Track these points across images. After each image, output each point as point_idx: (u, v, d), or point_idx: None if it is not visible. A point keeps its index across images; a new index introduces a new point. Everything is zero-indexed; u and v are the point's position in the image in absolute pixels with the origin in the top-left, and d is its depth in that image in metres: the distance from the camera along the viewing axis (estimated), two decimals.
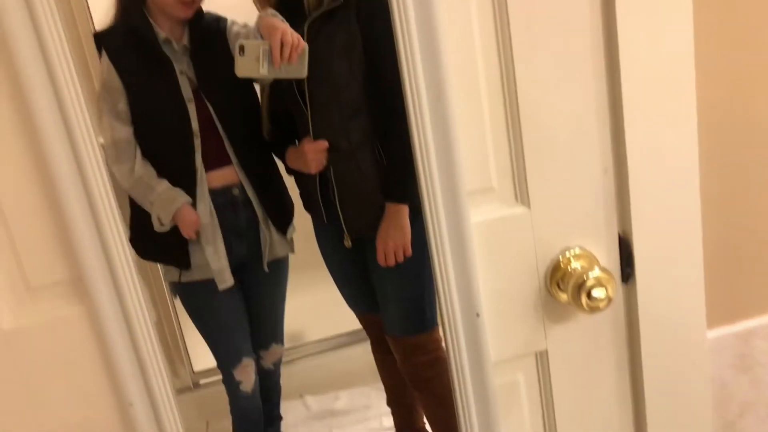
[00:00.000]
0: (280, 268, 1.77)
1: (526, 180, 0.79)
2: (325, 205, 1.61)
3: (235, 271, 1.65)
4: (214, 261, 1.59)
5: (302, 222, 1.78)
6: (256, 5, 1.54)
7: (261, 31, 1.39)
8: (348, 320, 2.04)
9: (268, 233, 1.68)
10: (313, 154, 1.52)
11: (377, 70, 1.43)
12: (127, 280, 0.73)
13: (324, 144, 1.51)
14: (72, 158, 0.70)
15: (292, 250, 1.79)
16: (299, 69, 1.37)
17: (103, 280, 0.73)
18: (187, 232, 1.55)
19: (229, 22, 1.60)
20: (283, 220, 1.73)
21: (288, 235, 1.76)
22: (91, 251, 0.72)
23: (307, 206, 1.68)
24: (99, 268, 0.72)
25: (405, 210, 1.52)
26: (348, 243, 1.62)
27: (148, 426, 0.76)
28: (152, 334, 0.74)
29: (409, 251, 1.54)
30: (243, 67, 1.37)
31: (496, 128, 0.79)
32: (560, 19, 0.77)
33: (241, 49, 1.35)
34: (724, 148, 0.85)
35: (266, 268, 1.70)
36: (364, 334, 2.06)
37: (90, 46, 1.68)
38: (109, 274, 0.73)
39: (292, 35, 1.35)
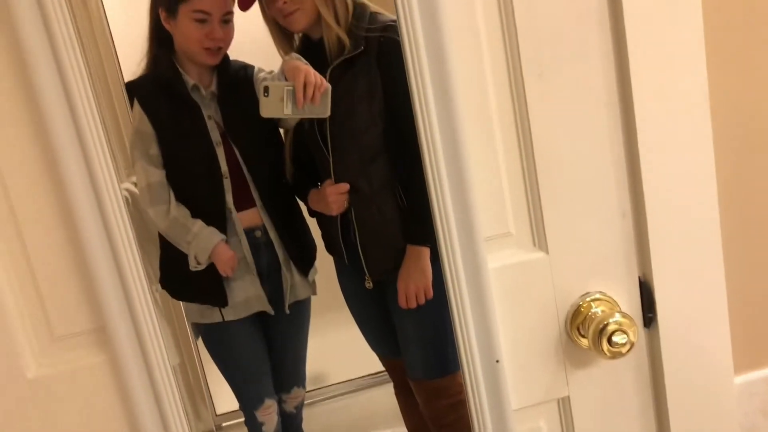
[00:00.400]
0: (301, 310, 1.78)
1: (543, 225, 0.79)
2: (346, 247, 1.62)
3: (256, 314, 1.66)
4: (259, 291, 1.62)
5: (325, 264, 1.79)
6: (279, 52, 1.58)
7: (285, 73, 1.43)
8: (371, 362, 2.02)
9: (289, 275, 1.69)
10: (335, 196, 1.54)
11: (397, 116, 1.45)
12: (149, 330, 0.74)
13: (345, 187, 1.53)
14: (97, 212, 0.72)
15: (314, 293, 1.80)
16: (323, 109, 1.40)
17: (125, 331, 0.74)
18: (223, 269, 1.58)
19: (255, 70, 1.65)
20: (305, 262, 1.74)
21: (310, 278, 1.76)
22: (114, 302, 0.73)
23: (329, 248, 1.69)
24: (122, 318, 0.73)
25: (426, 252, 1.53)
26: (369, 284, 1.63)
27: None
28: (173, 383, 0.74)
29: (431, 293, 1.54)
30: (267, 108, 1.40)
31: (511, 174, 0.80)
32: (573, 64, 0.78)
33: (266, 90, 1.39)
34: (743, 188, 0.85)
35: (287, 310, 1.70)
36: (387, 376, 2.04)
37: (118, 96, 1.74)
38: (131, 325, 0.74)
39: (315, 76, 1.38)
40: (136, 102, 1.58)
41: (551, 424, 0.86)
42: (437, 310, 1.56)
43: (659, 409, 0.86)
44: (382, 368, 1.95)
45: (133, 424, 0.75)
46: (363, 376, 2.37)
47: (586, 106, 0.79)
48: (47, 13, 0.66)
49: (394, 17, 1.47)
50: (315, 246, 1.78)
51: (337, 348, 2.26)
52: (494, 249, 0.80)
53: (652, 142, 0.79)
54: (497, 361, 0.79)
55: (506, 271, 0.80)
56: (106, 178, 0.72)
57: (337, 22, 1.45)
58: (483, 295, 0.78)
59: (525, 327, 0.81)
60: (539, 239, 0.80)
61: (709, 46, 0.77)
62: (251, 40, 1.67)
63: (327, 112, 1.40)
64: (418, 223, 1.51)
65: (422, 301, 1.54)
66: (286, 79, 1.41)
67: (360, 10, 1.47)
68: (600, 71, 0.78)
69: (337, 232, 1.61)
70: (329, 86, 1.39)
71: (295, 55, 1.48)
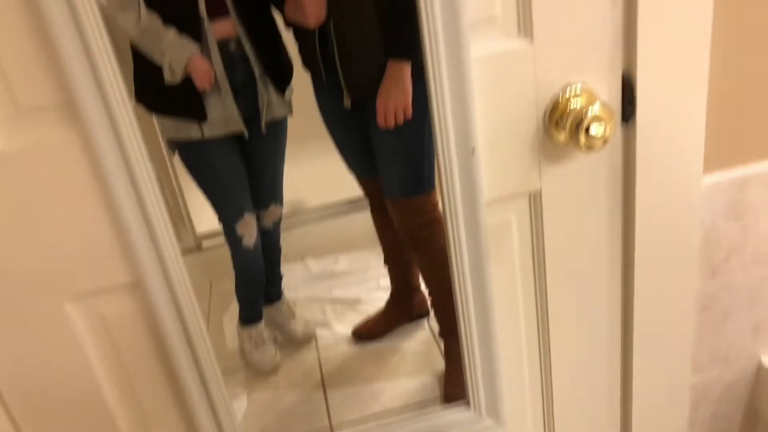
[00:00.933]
0: (278, 128, 1.76)
1: (531, 9, 0.76)
2: (324, 62, 1.56)
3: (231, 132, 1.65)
4: (233, 110, 1.59)
5: (306, 90, 1.74)
6: None
7: None
8: (348, 189, 2.05)
9: (265, 92, 1.66)
10: (312, 5, 1.46)
11: None
12: (118, 104, 0.71)
13: None
14: None
15: (291, 112, 1.77)
16: None
17: (94, 104, 0.71)
18: (200, 82, 1.53)
19: None
20: (281, 78, 1.69)
21: (287, 96, 1.73)
22: (78, 72, 0.70)
23: (306, 63, 1.64)
24: (89, 91, 0.71)
25: (407, 69, 1.48)
26: (347, 103, 1.60)
27: (146, 249, 0.78)
28: (146, 158, 0.73)
29: (410, 112, 1.52)
30: None
31: None
32: None
33: None
34: None
35: (264, 129, 1.69)
36: (363, 202, 2.07)
37: None
38: (100, 98, 0.71)
39: None
40: None
41: (521, 217, 0.88)
42: (416, 129, 1.55)
43: (627, 205, 0.88)
44: (359, 194, 1.99)
45: (108, 199, 0.75)
46: (340, 202, 2.42)
47: None
48: None
49: None
50: (291, 63, 1.72)
51: (315, 175, 2.29)
52: (478, 35, 0.76)
53: None
54: (473, 151, 0.79)
55: (489, 59, 0.78)
56: None
57: None
58: (463, 81, 0.76)
59: (503, 118, 0.81)
60: (525, 25, 0.77)
61: None
62: None
63: None
64: (400, 36, 1.44)
65: (401, 120, 1.52)
66: None
67: None
68: None
69: (314, 46, 1.54)
70: None
71: None
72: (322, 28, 1.50)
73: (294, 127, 1.84)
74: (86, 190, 0.76)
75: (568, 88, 0.80)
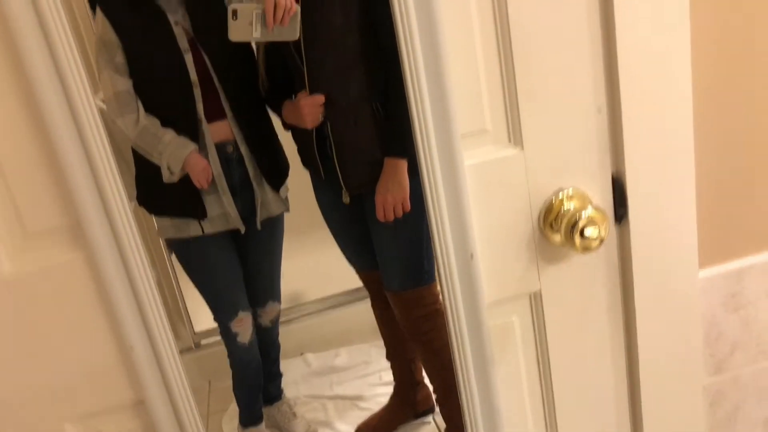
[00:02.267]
0: (274, 226, 1.78)
1: (519, 121, 0.79)
2: (322, 161, 1.61)
3: (230, 229, 1.67)
4: (231, 209, 1.61)
5: (301, 184, 1.78)
6: None
7: None
8: (347, 280, 2.05)
9: (261, 191, 1.69)
10: (309, 108, 1.51)
11: (373, 21, 1.42)
12: (124, 225, 0.73)
13: (320, 98, 1.50)
14: (65, 104, 0.70)
15: (287, 209, 1.80)
16: (291, 31, 1.40)
17: (100, 226, 0.73)
18: (198, 180, 1.57)
19: None
20: (276, 177, 1.73)
21: (282, 194, 1.76)
22: (87, 197, 0.72)
23: (305, 162, 1.68)
24: (95, 213, 0.73)
25: (404, 165, 1.52)
26: (346, 199, 1.63)
27: (149, 368, 0.77)
28: (150, 277, 0.74)
29: (408, 206, 1.55)
30: (236, 32, 1.39)
31: (489, 69, 0.79)
32: None
33: (234, 13, 1.38)
34: (719, 84, 0.85)
35: (259, 226, 1.71)
36: (363, 293, 2.07)
37: (79, 4, 1.67)
38: (106, 220, 0.73)
39: None
40: (98, 10, 1.53)
41: (523, 318, 0.88)
42: (414, 222, 1.58)
43: (627, 303, 0.89)
44: (359, 285, 1.98)
45: (112, 319, 0.76)
46: (340, 294, 2.41)
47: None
48: None
49: None
50: (287, 161, 1.77)
51: (314, 267, 2.29)
52: (470, 146, 0.79)
53: (629, 36, 0.78)
54: (471, 256, 0.81)
55: (482, 167, 0.80)
56: (74, 71, 0.69)
57: None
58: (458, 190, 0.78)
59: (499, 223, 0.82)
60: (515, 135, 0.80)
61: None
62: None
63: (296, 35, 1.40)
64: (396, 135, 1.50)
65: (399, 214, 1.55)
66: (254, 1, 1.39)
67: None
68: None
69: (312, 146, 1.59)
70: (298, 8, 1.38)
71: None
72: (320, 129, 1.56)
73: (292, 220, 1.86)
74: (90, 311, 0.76)
75: (561, 191, 0.82)
